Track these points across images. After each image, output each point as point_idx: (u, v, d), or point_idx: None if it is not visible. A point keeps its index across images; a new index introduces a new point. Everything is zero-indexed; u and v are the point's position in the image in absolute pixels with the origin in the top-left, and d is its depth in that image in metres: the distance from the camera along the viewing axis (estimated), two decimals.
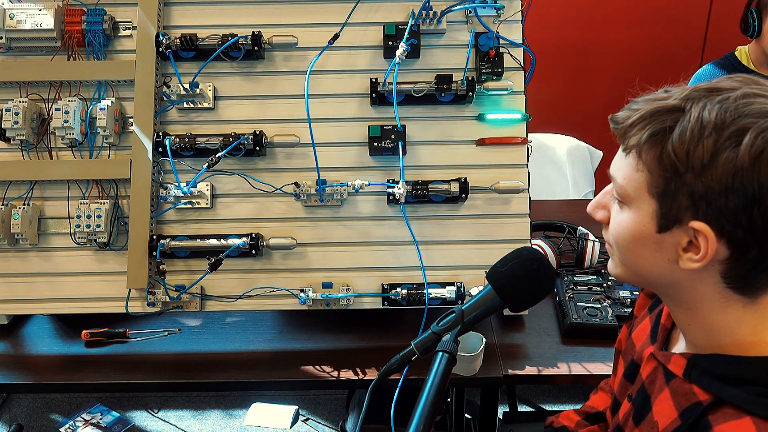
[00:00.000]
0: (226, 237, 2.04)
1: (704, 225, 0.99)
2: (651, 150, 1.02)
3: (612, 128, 1.10)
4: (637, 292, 2.17)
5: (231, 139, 2.02)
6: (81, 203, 2.05)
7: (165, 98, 2.08)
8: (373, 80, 2.04)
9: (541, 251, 2.25)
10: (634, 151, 1.05)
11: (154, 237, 2.03)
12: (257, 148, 2.03)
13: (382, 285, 2.07)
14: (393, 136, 2.02)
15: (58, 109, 2.03)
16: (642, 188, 1.05)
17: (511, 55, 2.10)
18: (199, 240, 2.05)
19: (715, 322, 1.09)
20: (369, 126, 2.04)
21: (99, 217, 2.02)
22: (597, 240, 2.39)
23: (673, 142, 0.99)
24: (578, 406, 1.71)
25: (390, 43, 2.03)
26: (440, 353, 1.18)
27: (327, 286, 2.07)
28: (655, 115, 1.02)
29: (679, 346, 1.21)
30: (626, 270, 1.17)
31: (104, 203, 2.04)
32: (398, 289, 2.03)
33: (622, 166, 1.09)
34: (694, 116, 0.98)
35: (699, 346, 1.14)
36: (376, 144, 2.03)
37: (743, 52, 3.05)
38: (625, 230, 1.10)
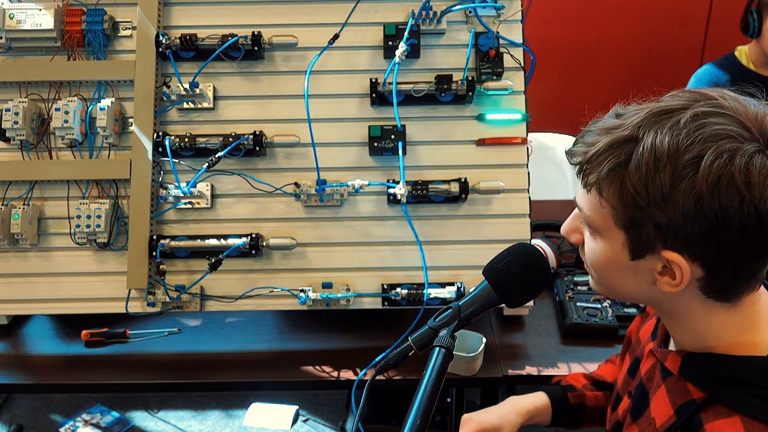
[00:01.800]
0: (226, 237, 2.04)
1: (675, 254, 1.00)
2: (611, 186, 1.02)
3: (570, 163, 1.11)
4: None
5: (231, 139, 2.02)
6: (81, 203, 2.05)
7: (165, 98, 2.08)
8: (373, 80, 2.04)
9: (540, 250, 2.25)
10: (595, 188, 1.05)
11: (154, 237, 2.03)
12: (257, 148, 2.03)
13: (382, 285, 2.07)
14: (393, 136, 2.02)
15: (57, 109, 2.03)
16: (608, 220, 1.06)
17: (511, 55, 2.10)
18: (199, 240, 2.05)
19: (702, 328, 1.11)
20: (369, 126, 2.04)
21: (99, 217, 2.02)
22: None
23: (630, 177, 0.99)
24: None
25: (390, 43, 2.03)
26: (437, 348, 1.18)
27: (327, 286, 2.07)
28: (610, 149, 1.02)
29: (677, 346, 1.23)
30: (606, 289, 1.19)
31: (104, 203, 2.04)
32: (398, 290, 2.03)
33: (586, 200, 1.10)
34: (647, 147, 0.98)
35: (691, 348, 1.15)
36: (376, 144, 2.03)
37: (743, 52, 3.05)
38: (600, 257, 1.12)
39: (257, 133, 2.03)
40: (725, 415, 1.02)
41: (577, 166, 1.08)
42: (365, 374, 1.95)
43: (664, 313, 1.16)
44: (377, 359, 1.91)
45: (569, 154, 1.11)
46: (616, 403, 1.40)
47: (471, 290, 1.99)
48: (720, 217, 0.95)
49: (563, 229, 1.22)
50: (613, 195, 1.02)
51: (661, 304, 1.13)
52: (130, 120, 2.09)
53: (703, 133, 0.96)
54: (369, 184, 2.03)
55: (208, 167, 1.98)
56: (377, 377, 1.24)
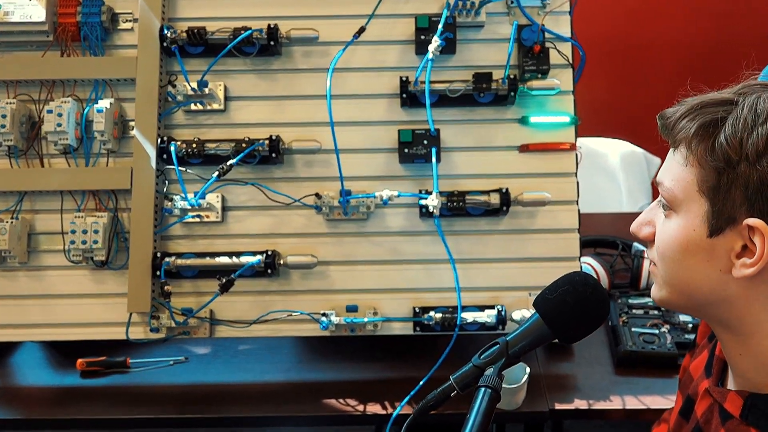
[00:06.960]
0: (238, 255, 2.01)
1: (760, 221, 1.01)
2: (702, 142, 1.06)
3: (659, 126, 1.16)
4: None
5: (244, 145, 2.00)
6: (76, 217, 2.01)
7: (170, 99, 2.07)
8: (404, 79, 2.02)
9: (593, 272, 2.24)
10: (684, 144, 1.09)
11: (158, 254, 2.00)
12: (273, 154, 2.01)
13: (414, 308, 2.03)
14: (425, 142, 2.01)
15: (50, 111, 2.00)
16: (691, 187, 1.08)
17: (558, 51, 2.07)
18: (208, 258, 2.02)
19: None
20: (399, 130, 2.03)
21: (96, 232, 1.99)
22: None
23: (725, 131, 1.03)
24: None
25: (422, 37, 2.01)
26: (482, 389, 1.17)
27: (352, 309, 2.05)
28: (705, 107, 1.07)
29: (736, 382, 1.21)
30: (672, 290, 1.18)
31: (102, 217, 2.01)
32: (431, 313, 1.99)
33: (670, 166, 1.13)
34: (747, 106, 1.03)
35: (753, 382, 1.14)
36: (406, 150, 2.01)
37: None
38: (673, 239, 1.12)
39: (273, 138, 2.01)
40: None
41: (668, 125, 1.12)
42: (401, 409, 1.93)
43: (728, 328, 1.13)
44: (411, 393, 1.90)
45: (660, 116, 1.15)
46: None
47: (515, 316, 2.01)
48: None
49: (634, 224, 1.23)
50: (703, 151, 1.05)
51: (729, 310, 1.11)
52: (131, 123, 2.06)
53: None
54: (399, 195, 2.00)
55: (219, 176, 1.96)
56: (416, 419, 1.23)
